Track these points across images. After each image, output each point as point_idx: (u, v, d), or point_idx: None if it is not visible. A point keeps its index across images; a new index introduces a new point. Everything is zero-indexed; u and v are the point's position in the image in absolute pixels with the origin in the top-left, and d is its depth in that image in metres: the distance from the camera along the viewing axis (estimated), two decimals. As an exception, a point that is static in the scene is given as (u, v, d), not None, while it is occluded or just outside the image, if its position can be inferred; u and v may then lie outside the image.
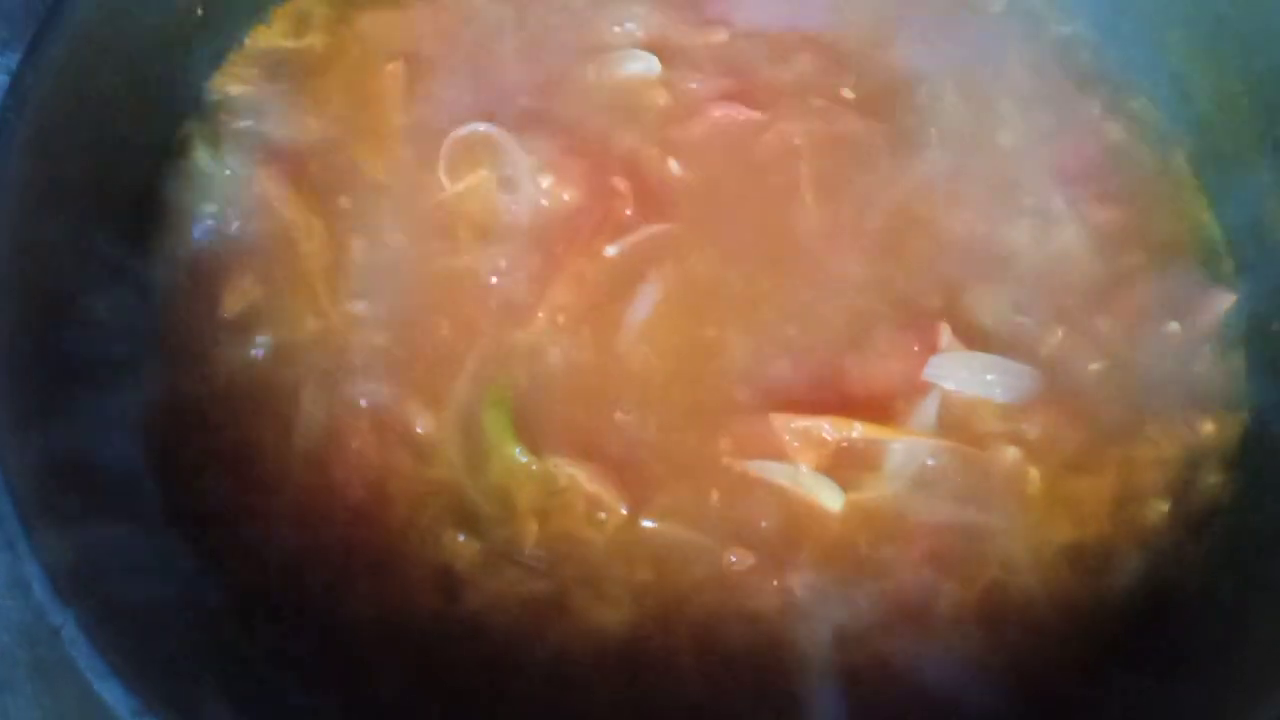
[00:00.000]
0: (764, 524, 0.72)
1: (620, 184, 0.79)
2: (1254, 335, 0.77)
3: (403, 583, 0.70)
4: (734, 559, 0.71)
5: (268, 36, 0.83)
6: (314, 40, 0.83)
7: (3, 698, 0.76)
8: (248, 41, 0.83)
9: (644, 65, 0.82)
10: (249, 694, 0.66)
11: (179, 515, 0.71)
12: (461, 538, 0.71)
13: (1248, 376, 0.77)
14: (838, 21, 0.85)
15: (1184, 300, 0.78)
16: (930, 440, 0.73)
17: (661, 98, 0.82)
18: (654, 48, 0.83)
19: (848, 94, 0.83)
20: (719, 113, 0.81)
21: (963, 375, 0.74)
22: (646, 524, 0.72)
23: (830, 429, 0.73)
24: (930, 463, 0.73)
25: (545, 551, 0.71)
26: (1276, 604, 0.67)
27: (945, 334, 0.75)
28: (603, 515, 0.72)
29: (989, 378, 0.75)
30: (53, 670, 0.76)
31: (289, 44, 0.83)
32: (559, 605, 0.70)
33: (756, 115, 0.81)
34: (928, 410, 0.73)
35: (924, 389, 0.74)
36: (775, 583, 0.71)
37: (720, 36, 0.84)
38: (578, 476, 0.72)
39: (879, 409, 0.74)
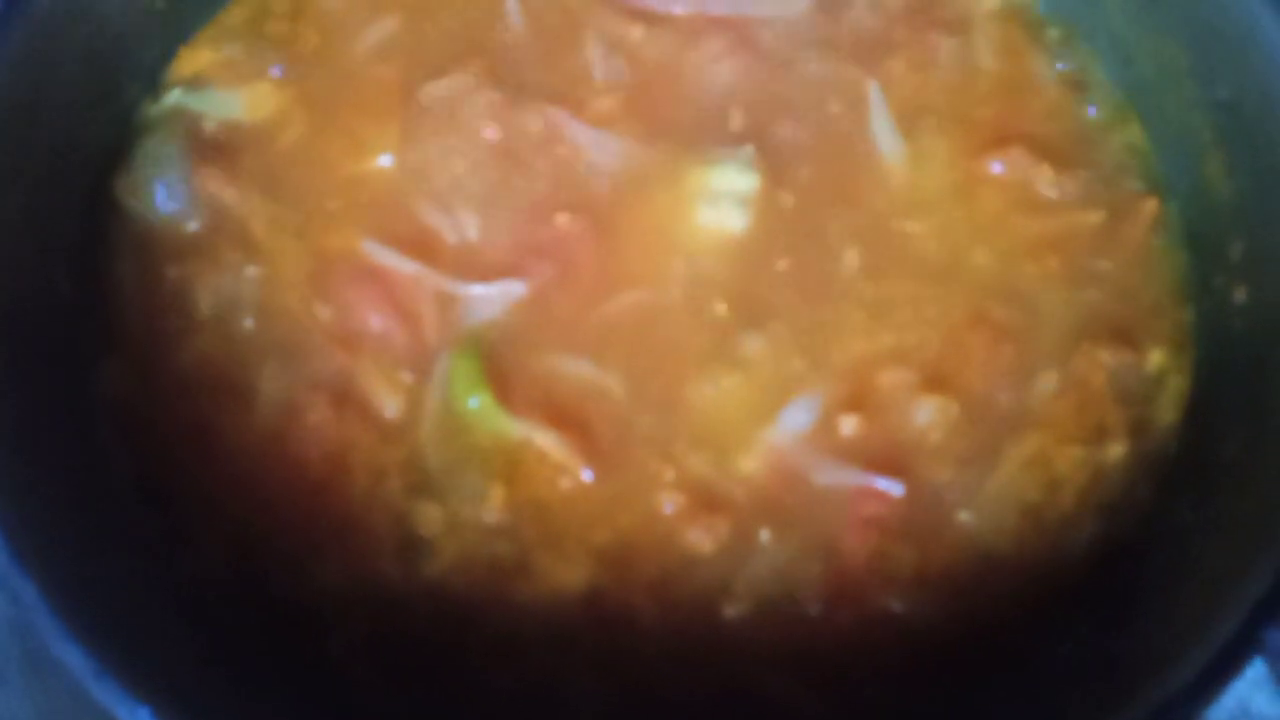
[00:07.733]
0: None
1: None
2: (1197, 290, 0.79)
3: (366, 550, 0.71)
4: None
5: (228, 23, 0.83)
6: (273, 27, 0.83)
7: (-6, 692, 0.76)
8: (207, 28, 0.83)
9: None
10: (210, 656, 0.67)
11: (145, 491, 0.73)
12: (425, 505, 0.72)
13: (1195, 329, 0.78)
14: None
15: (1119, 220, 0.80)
16: None
17: None
18: None
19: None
20: None
21: None
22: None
23: None
24: None
25: (511, 515, 0.72)
26: (1223, 544, 0.68)
27: None
28: (567, 479, 0.73)
29: None
30: (44, 665, 0.76)
31: (249, 30, 0.83)
32: (522, 567, 0.71)
33: None
34: None
35: None
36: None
37: None
38: (543, 438, 0.73)
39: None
